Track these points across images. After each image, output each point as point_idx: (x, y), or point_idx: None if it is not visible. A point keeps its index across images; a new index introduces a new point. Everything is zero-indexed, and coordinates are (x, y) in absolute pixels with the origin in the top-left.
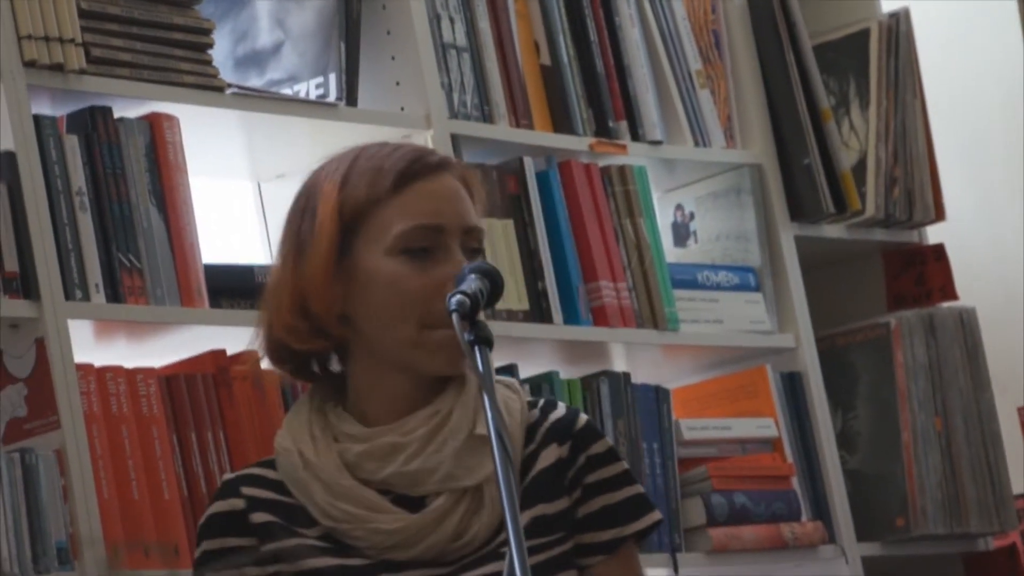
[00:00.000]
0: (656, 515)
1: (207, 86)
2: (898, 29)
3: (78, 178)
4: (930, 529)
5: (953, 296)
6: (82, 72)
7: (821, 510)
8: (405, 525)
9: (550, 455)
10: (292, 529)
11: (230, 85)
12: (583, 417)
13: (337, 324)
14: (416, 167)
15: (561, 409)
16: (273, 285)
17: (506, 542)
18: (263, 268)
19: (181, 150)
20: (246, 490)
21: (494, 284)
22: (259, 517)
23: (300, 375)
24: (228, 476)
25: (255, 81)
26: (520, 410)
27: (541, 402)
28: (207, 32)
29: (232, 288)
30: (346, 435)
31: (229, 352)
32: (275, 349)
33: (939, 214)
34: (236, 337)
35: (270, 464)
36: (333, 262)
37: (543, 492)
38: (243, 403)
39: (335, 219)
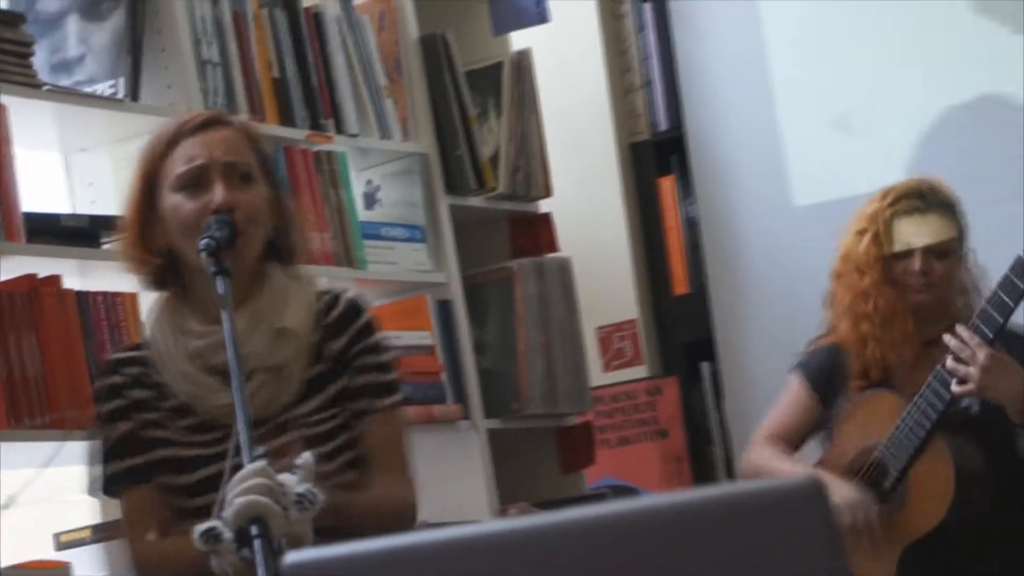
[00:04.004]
0: (401, 395)
1: (30, 83)
2: (522, 63)
3: None
4: (534, 410)
5: (556, 250)
6: None
7: (461, 396)
8: (230, 401)
9: (335, 345)
10: (156, 406)
11: (46, 84)
12: (365, 314)
13: (164, 254)
14: (184, 128)
15: (342, 304)
16: (119, 230)
17: (307, 414)
18: (67, 216)
19: (8, 129)
20: (125, 370)
21: (232, 231)
22: (134, 393)
23: (154, 287)
24: (110, 357)
25: (65, 81)
26: (309, 303)
27: (328, 295)
28: (29, 44)
29: (44, 229)
30: (189, 332)
31: (40, 276)
32: (131, 271)
33: (547, 191)
34: (46, 265)
35: (143, 346)
36: (142, 210)
37: (331, 376)
38: (50, 314)
39: (140, 176)
